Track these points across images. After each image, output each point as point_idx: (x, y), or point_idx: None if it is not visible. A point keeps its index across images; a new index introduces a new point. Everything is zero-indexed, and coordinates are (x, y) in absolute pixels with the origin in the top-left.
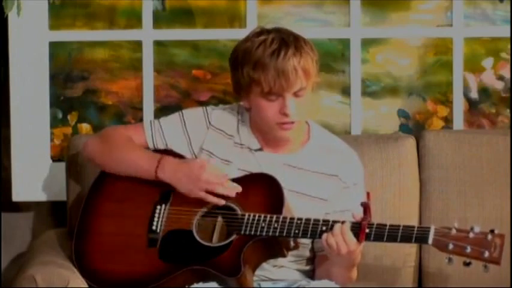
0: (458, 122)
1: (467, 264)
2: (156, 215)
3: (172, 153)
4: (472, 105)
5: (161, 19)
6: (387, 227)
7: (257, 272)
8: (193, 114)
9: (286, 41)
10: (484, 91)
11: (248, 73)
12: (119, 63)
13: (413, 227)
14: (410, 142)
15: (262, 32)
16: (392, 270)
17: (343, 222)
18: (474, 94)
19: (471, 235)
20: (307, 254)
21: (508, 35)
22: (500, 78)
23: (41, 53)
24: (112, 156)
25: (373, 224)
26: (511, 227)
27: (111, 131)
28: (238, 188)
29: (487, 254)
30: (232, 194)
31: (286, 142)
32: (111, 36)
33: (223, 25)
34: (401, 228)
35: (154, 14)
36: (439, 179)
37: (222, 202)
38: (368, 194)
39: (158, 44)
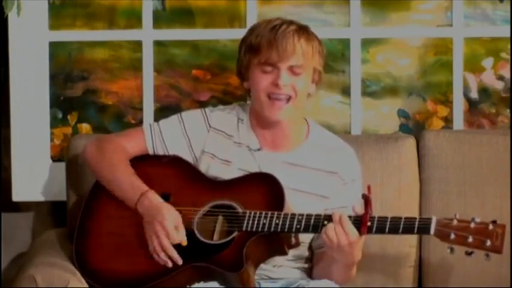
0: (458, 122)
1: (469, 254)
2: None
3: (179, 158)
4: (472, 105)
5: (161, 19)
6: (389, 219)
7: (257, 271)
8: (192, 117)
9: (291, 21)
10: (484, 91)
11: (250, 43)
12: (119, 63)
13: (415, 218)
14: (410, 142)
15: (274, 17)
16: (392, 271)
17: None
18: (474, 94)
19: (472, 225)
20: (306, 253)
21: (508, 35)
22: (500, 78)
23: (41, 53)
24: (103, 173)
25: (374, 217)
26: (511, 227)
27: (110, 142)
28: (178, 261)
29: (488, 243)
30: (169, 264)
31: (283, 137)
32: (111, 36)
33: (223, 25)
34: (403, 219)
35: (154, 14)
36: (439, 179)
37: (169, 264)
38: (369, 187)
39: (158, 44)
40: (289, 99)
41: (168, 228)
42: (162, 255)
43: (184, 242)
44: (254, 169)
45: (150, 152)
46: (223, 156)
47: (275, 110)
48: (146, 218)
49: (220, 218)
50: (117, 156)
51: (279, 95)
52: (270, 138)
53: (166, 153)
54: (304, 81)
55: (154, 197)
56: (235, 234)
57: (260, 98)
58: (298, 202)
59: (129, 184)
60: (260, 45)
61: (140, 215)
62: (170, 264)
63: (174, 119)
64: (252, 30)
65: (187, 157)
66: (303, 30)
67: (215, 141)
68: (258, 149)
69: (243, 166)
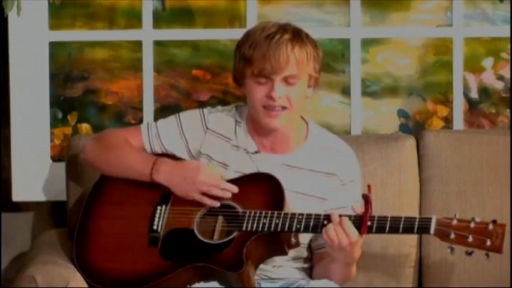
0: (458, 122)
1: (469, 253)
2: (157, 215)
3: (172, 156)
4: (472, 105)
5: (161, 19)
6: (389, 219)
7: (257, 271)
8: (190, 117)
9: (286, 28)
10: (484, 91)
11: (243, 53)
12: (119, 63)
13: (415, 217)
14: (410, 142)
15: (270, 22)
16: (392, 271)
17: (340, 216)
18: (474, 94)
19: (472, 225)
20: (306, 253)
21: (508, 35)
22: (500, 78)
23: (41, 53)
24: (109, 159)
25: (374, 217)
26: (511, 228)
27: (108, 133)
28: (234, 189)
29: (489, 242)
30: (228, 196)
31: (282, 141)
32: (111, 36)
33: (223, 25)
34: (403, 219)
35: (154, 14)
36: (439, 179)
37: (217, 204)
38: (369, 186)
39: (158, 44)
40: (284, 108)
41: (209, 175)
42: (218, 191)
43: (225, 176)
44: (252, 172)
45: (148, 151)
46: (220, 159)
47: (271, 118)
48: (174, 183)
49: (220, 217)
50: (120, 141)
51: (274, 107)
52: (268, 143)
53: (165, 153)
54: (299, 90)
55: (168, 161)
56: (235, 234)
57: (256, 108)
58: (296, 204)
59: (138, 158)
60: (253, 57)
61: (160, 183)
62: (229, 195)
63: (171, 119)
64: (246, 37)
65: (185, 157)
66: (297, 38)
67: (212, 144)
68: (256, 152)
69: (240, 169)
